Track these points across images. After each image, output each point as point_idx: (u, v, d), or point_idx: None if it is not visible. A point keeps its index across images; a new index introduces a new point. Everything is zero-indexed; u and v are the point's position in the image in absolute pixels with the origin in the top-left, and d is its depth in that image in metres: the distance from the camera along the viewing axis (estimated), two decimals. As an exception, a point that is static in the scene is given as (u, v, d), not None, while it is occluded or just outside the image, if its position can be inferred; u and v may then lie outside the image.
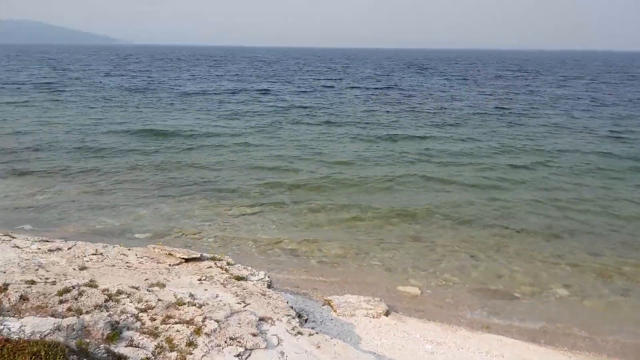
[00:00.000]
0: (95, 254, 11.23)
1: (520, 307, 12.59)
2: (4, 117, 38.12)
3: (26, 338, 6.49)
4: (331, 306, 11.60)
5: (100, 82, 71.04)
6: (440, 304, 12.70)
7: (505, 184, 23.03)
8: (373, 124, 38.64)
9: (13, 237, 12.03)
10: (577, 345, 10.97)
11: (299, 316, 10.02)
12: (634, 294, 13.33)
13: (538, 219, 18.56)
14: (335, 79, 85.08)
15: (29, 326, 6.99)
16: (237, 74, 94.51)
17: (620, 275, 14.24)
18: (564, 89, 70.76)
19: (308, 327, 9.76)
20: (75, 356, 6.40)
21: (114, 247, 11.90)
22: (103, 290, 9.16)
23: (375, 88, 69.15)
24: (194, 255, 11.45)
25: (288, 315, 9.38)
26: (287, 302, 9.97)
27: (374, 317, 11.23)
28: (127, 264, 10.89)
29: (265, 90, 64.15)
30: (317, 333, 8.97)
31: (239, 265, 11.58)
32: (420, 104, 52.10)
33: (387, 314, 11.51)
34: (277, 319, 9.18)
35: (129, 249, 11.79)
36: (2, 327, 6.87)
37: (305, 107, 47.69)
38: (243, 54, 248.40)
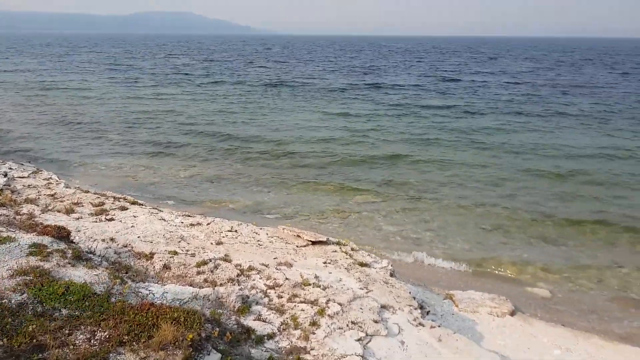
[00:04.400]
0: (230, 231, 12.04)
1: (667, 320, 11.43)
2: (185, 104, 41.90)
3: (167, 304, 7.15)
4: (453, 301, 11.38)
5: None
6: (573, 309, 11.91)
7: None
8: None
9: (160, 211, 13.26)
10: None
11: (421, 307, 9.98)
12: None
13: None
14: None
15: (170, 293, 7.69)
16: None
17: None
18: None
19: (429, 320, 9.70)
20: (209, 325, 6.96)
21: (247, 225, 12.66)
22: (236, 265, 9.81)
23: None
24: (320, 239, 11.83)
25: (410, 306, 9.39)
26: (409, 292, 9.97)
27: (498, 316, 10.84)
28: (259, 242, 11.54)
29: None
30: (438, 326, 8.89)
31: (363, 251, 11.77)
32: None
33: (512, 314, 11.05)
34: (399, 308, 9.23)
35: (261, 229, 12.47)
36: (147, 292, 7.63)
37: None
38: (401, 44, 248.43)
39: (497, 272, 13.85)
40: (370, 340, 8.02)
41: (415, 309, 9.28)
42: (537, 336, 10.20)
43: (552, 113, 37.74)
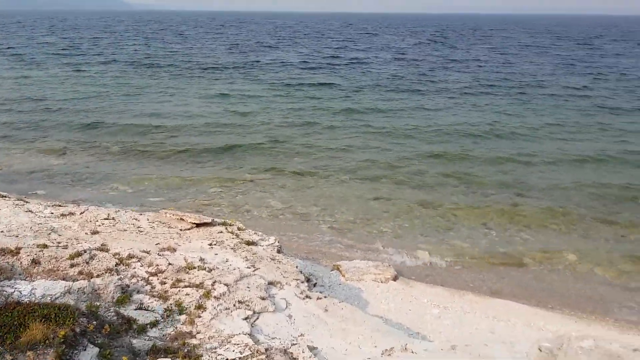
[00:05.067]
0: (107, 219, 11.39)
1: (529, 273, 12.61)
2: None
3: (36, 301, 6.64)
4: (340, 271, 11.69)
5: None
6: (449, 270, 12.75)
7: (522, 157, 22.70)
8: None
9: (26, 202, 12.22)
10: (584, 309, 10.98)
11: (308, 280, 10.14)
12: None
13: (550, 186, 18.42)
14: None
15: (39, 289, 7.14)
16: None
17: (630, 238, 14.21)
18: None
19: (317, 292, 9.88)
20: (85, 318, 6.56)
21: (125, 211, 12.05)
22: (114, 255, 9.32)
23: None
24: (205, 220, 11.56)
25: (297, 280, 9.49)
26: (297, 267, 10.08)
27: (382, 282, 11.31)
28: (139, 229, 11.04)
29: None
30: (325, 297, 9.09)
31: (250, 230, 11.69)
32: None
33: (395, 278, 11.58)
34: (286, 283, 9.29)
35: (141, 214, 11.93)
36: (13, 290, 7.03)
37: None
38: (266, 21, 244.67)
39: (380, 239, 14.42)
40: (258, 318, 8.01)
41: (302, 282, 9.41)
42: (418, 298, 10.80)
43: (432, 89, 39.44)
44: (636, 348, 7.61)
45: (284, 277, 9.46)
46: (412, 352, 7.48)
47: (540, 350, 7.55)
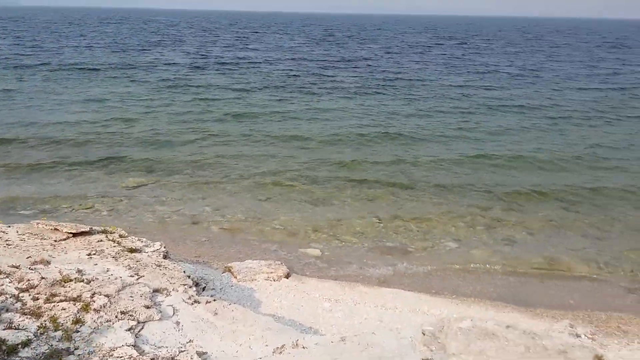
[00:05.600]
0: (-32, 234, 10.33)
1: (414, 260, 13.20)
2: None
3: None
4: (232, 272, 11.53)
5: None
6: (340, 263, 13.02)
7: (411, 151, 23.74)
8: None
9: None
10: (464, 292, 11.70)
11: (197, 285, 9.88)
12: (516, 241, 14.40)
13: (437, 176, 19.45)
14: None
15: None
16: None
17: (504, 225, 15.38)
18: None
19: (207, 295, 9.66)
20: (-61, 345, 5.88)
21: (-10, 225, 11.00)
22: (-23, 272, 8.47)
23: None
24: (82, 229, 10.85)
25: (184, 285, 9.20)
26: (184, 272, 9.77)
27: (274, 280, 11.31)
28: (7, 242, 10.13)
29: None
30: (214, 300, 8.88)
31: (133, 237, 11.15)
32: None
33: (287, 276, 11.63)
34: (173, 289, 8.97)
35: (9, 226, 10.95)
36: None
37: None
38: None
39: (272, 238, 14.41)
40: (143, 328, 7.65)
41: (190, 287, 9.14)
42: (310, 293, 10.92)
43: (323, 89, 39.84)
44: (509, 325, 8.20)
45: (170, 283, 9.13)
46: (303, 347, 7.52)
47: (424, 334, 7.90)
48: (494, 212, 16.34)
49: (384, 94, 38.01)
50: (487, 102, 35.25)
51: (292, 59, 61.22)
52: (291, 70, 50.59)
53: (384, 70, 51.42)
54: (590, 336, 9.53)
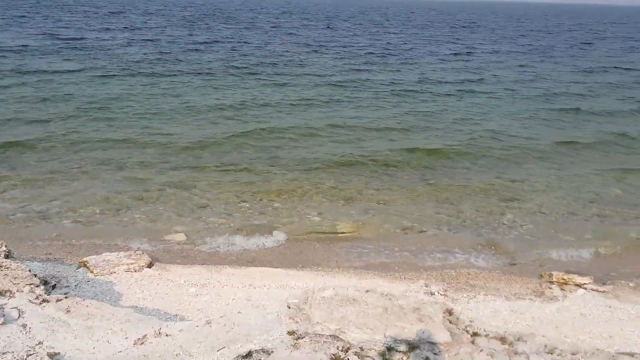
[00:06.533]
0: None
1: (280, 237, 13.32)
2: None
3: None
4: (88, 267, 10.78)
5: None
6: (206, 247, 12.76)
7: (273, 134, 23.76)
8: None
9: None
10: (328, 264, 12.08)
11: (45, 283, 9.11)
12: (375, 212, 15.13)
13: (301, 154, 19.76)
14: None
15: None
16: None
17: (362, 197, 16.10)
18: None
19: (58, 293, 8.97)
20: None
21: None
22: None
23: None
24: None
25: (31, 285, 8.43)
26: (30, 271, 8.94)
27: (135, 271, 10.78)
28: None
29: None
30: (66, 297, 8.25)
31: (-34, 238, 9.97)
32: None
33: (150, 265, 11.15)
34: (18, 290, 8.19)
35: None
36: None
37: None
38: None
39: (132, 226, 13.73)
40: (-18, 336, 6.89)
41: (37, 286, 8.39)
42: (175, 280, 10.58)
43: (184, 71, 38.33)
44: (368, 289, 8.60)
45: (14, 284, 8.31)
46: (167, 335, 7.27)
47: (289, 307, 8.02)
48: (351, 184, 17.02)
49: (247, 75, 37.69)
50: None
51: (148, 41, 58.03)
52: (146, 52, 47.90)
53: (250, 53, 50.77)
54: (442, 293, 10.35)
